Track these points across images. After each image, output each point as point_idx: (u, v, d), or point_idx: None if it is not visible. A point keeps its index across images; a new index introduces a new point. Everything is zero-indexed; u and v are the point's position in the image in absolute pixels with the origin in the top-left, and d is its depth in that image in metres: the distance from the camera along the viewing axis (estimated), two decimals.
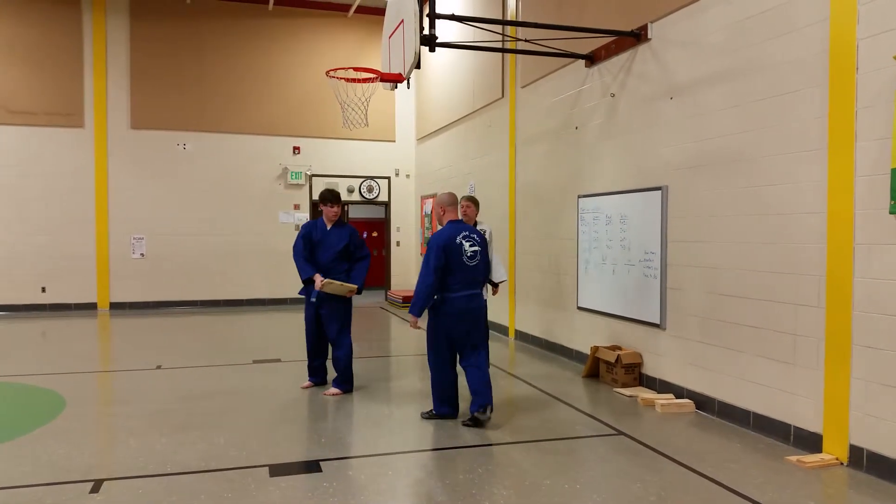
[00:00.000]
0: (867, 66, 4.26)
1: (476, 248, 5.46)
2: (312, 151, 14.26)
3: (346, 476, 4.27)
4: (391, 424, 5.47)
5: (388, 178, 14.86)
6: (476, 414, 5.30)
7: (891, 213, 4.04)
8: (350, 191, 14.49)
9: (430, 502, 3.87)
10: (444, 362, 5.54)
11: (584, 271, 7.68)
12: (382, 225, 15.98)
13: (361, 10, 14.06)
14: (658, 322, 6.33)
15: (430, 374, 5.66)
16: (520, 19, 9.16)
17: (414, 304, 5.42)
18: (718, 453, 4.72)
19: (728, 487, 4.07)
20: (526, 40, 7.41)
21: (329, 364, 6.64)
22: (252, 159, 13.92)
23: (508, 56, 9.77)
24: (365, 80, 6.70)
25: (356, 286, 6.30)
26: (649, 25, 6.45)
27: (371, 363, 7.89)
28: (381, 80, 6.72)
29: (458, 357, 5.59)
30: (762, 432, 5.12)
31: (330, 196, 6.39)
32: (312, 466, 4.42)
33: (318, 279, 6.18)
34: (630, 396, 6.26)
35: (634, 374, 6.60)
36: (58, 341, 9.72)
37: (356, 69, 6.68)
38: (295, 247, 6.42)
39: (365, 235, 16.94)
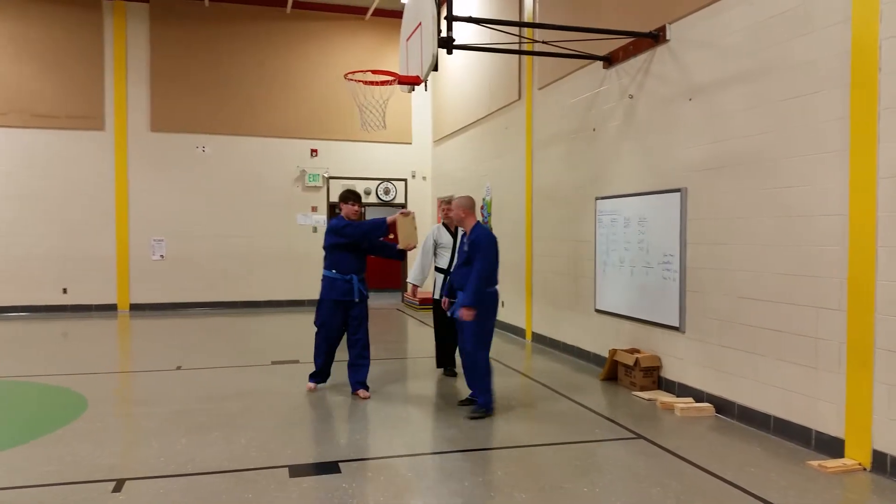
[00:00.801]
0: (890, 67, 4.21)
1: None
2: (330, 154, 14.33)
3: (366, 477, 4.29)
4: (409, 426, 5.49)
5: (405, 180, 14.90)
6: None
7: None
8: (367, 193, 14.54)
9: None
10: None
11: (602, 273, 7.65)
12: None
13: (378, 12, 14.11)
14: (677, 325, 6.29)
15: (481, 368, 5.71)
16: (537, 21, 9.16)
17: (475, 296, 5.54)
18: (738, 457, 4.68)
19: (748, 492, 4.04)
20: (543, 42, 7.40)
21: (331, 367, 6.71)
22: (270, 162, 14.01)
23: (525, 58, 9.76)
24: (383, 83, 6.73)
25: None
26: (667, 26, 6.43)
27: (387, 365, 7.91)
28: (399, 83, 6.75)
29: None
30: (783, 436, 5.07)
31: (351, 195, 6.53)
32: (332, 467, 4.44)
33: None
34: (649, 400, 6.23)
35: (653, 377, 6.56)
36: (79, 342, 9.84)
37: (374, 72, 6.71)
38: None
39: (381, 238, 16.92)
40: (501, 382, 6.75)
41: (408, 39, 7.06)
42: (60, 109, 12.82)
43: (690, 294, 6.15)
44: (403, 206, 14.85)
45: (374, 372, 6.97)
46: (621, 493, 4.03)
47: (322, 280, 6.50)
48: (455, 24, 6.42)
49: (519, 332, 9.98)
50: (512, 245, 9.98)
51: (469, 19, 6.48)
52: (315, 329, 6.60)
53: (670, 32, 6.42)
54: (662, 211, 6.52)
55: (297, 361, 8.02)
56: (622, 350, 6.92)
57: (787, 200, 5.03)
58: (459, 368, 7.08)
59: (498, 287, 5.89)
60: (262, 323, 11.77)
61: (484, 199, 11.33)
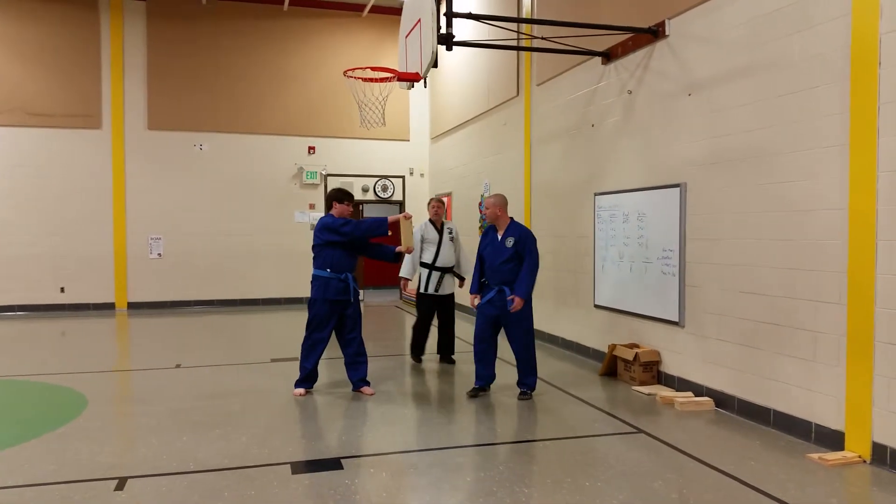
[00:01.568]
0: (890, 61, 4.22)
1: None
2: (327, 151, 14.31)
3: (368, 473, 4.30)
4: (409, 422, 5.49)
5: (403, 177, 14.89)
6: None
7: None
8: (365, 190, 14.53)
9: (451, 500, 3.88)
10: None
11: (601, 269, 7.66)
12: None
13: (376, 9, 14.09)
14: (676, 320, 6.30)
15: (534, 352, 6.27)
16: (535, 17, 9.15)
17: (530, 289, 6.09)
18: (739, 451, 4.70)
19: (749, 485, 4.05)
20: (542, 38, 7.40)
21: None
22: (268, 159, 14.00)
23: (524, 54, 9.75)
24: (382, 80, 6.72)
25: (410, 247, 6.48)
26: (667, 22, 6.43)
27: (387, 361, 7.92)
28: (398, 80, 6.74)
29: (500, 334, 6.35)
30: (783, 430, 5.09)
31: (345, 195, 6.49)
32: (333, 464, 4.45)
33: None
34: (648, 394, 6.25)
35: (653, 371, 6.58)
36: (77, 341, 9.83)
37: (373, 69, 6.70)
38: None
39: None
40: (501, 378, 6.75)
41: (407, 36, 7.05)
42: (57, 108, 12.78)
43: (690, 289, 6.16)
44: (401, 203, 14.85)
45: (373, 368, 6.97)
46: (623, 487, 4.04)
47: (314, 280, 6.31)
48: (454, 21, 6.41)
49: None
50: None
51: (469, 15, 6.47)
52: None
53: (670, 28, 6.42)
54: (662, 206, 6.53)
55: (296, 359, 7.98)
56: (621, 345, 6.94)
57: (786, 195, 5.04)
58: (465, 356, 7.08)
59: None
60: (260, 320, 11.77)
61: (482, 196, 11.33)
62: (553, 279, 8.97)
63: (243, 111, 13.77)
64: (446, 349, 7.81)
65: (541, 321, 9.34)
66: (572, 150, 8.41)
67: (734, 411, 5.60)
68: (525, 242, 6.11)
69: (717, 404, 5.78)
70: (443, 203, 7.63)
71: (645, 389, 6.35)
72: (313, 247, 6.40)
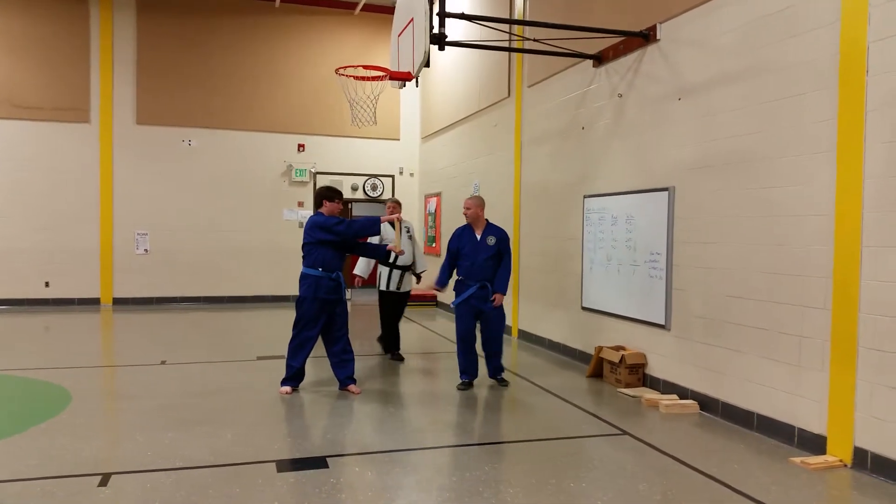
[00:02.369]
0: (877, 69, 4.27)
1: None
2: (317, 149, 14.28)
3: (353, 472, 4.30)
4: (395, 421, 5.49)
5: (392, 176, 14.88)
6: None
7: None
8: (354, 189, 14.51)
9: (437, 499, 3.88)
10: None
11: (589, 271, 7.69)
12: None
13: (368, 7, 14.07)
14: (663, 323, 6.34)
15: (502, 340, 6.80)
16: (527, 18, 9.17)
17: (507, 285, 6.61)
18: (722, 454, 4.73)
19: (732, 488, 4.09)
20: (534, 40, 7.41)
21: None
22: (257, 156, 13.94)
23: (515, 55, 9.78)
24: (374, 79, 6.72)
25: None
26: (658, 26, 6.46)
27: (373, 361, 7.91)
28: (390, 79, 6.74)
29: (479, 329, 6.71)
30: (766, 433, 5.13)
31: (335, 193, 6.48)
32: (319, 462, 4.44)
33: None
34: (634, 397, 6.28)
35: (638, 374, 6.61)
36: (62, 336, 9.75)
37: (365, 67, 6.69)
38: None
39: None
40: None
41: (399, 35, 7.04)
42: (45, 101, 12.67)
43: (676, 292, 6.20)
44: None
45: (359, 367, 6.97)
46: (608, 489, 4.06)
47: (303, 279, 6.27)
48: (446, 21, 6.42)
49: (506, 329, 9.97)
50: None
51: (461, 16, 6.48)
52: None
53: (661, 32, 6.45)
54: (650, 209, 6.57)
55: (282, 357, 7.95)
56: (608, 347, 6.97)
57: (774, 200, 5.09)
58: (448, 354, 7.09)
59: None
60: (247, 318, 11.72)
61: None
62: (541, 281, 9.00)
63: (233, 107, 13.71)
64: (395, 345, 8.15)
65: (528, 322, 9.38)
66: (562, 152, 8.43)
67: (718, 414, 5.64)
68: (506, 241, 6.64)
69: (702, 407, 5.82)
70: (399, 204, 8.08)
71: (630, 392, 6.38)
72: (303, 245, 6.35)
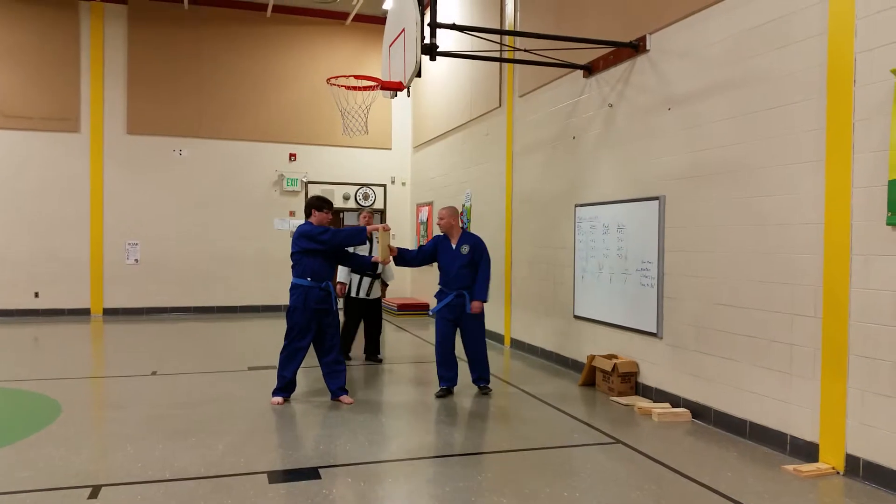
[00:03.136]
0: (864, 79, 4.32)
1: None
2: (308, 158, 14.27)
3: (346, 483, 4.27)
4: (386, 432, 5.47)
5: (384, 185, 14.89)
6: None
7: (888, 223, 4.10)
8: (346, 198, 14.50)
9: None
10: None
11: (581, 280, 7.71)
12: None
13: (359, 18, 14.12)
14: (655, 331, 6.35)
15: (485, 347, 6.84)
16: (518, 29, 9.22)
17: (487, 292, 6.73)
18: (715, 462, 4.74)
19: (725, 496, 4.09)
20: (525, 50, 7.46)
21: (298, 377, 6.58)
22: (248, 166, 13.93)
23: (507, 65, 9.83)
24: (365, 88, 6.72)
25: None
26: (648, 37, 6.51)
27: (365, 370, 7.89)
28: (382, 89, 6.75)
29: (459, 336, 6.80)
30: (758, 441, 5.15)
31: (325, 203, 6.47)
32: (311, 474, 4.42)
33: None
34: (626, 405, 6.28)
35: (631, 382, 6.62)
36: (51, 347, 9.67)
37: (357, 77, 6.71)
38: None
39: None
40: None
41: (391, 45, 7.07)
42: (35, 110, 12.63)
43: (668, 301, 6.22)
44: (382, 211, 14.84)
45: (351, 377, 6.94)
46: (601, 498, 4.06)
47: (293, 289, 6.26)
48: (438, 31, 6.44)
49: (498, 338, 10.00)
50: (491, 251, 9.84)
51: (453, 26, 6.51)
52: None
53: (650, 43, 6.50)
54: (641, 218, 6.60)
55: (273, 367, 7.92)
56: (600, 356, 6.98)
57: (763, 209, 5.12)
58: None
59: None
60: (238, 328, 11.67)
61: (464, 206, 11.37)
62: (533, 289, 9.01)
63: (224, 117, 13.70)
64: (374, 350, 8.41)
65: (520, 331, 9.38)
66: (553, 161, 8.47)
67: (711, 422, 5.65)
68: (480, 249, 6.74)
69: (694, 415, 5.83)
70: (373, 214, 8.37)
71: (623, 400, 6.38)
72: (292, 255, 6.35)
